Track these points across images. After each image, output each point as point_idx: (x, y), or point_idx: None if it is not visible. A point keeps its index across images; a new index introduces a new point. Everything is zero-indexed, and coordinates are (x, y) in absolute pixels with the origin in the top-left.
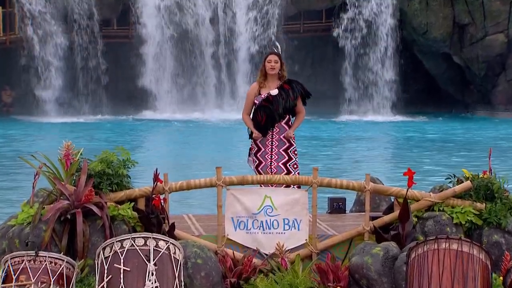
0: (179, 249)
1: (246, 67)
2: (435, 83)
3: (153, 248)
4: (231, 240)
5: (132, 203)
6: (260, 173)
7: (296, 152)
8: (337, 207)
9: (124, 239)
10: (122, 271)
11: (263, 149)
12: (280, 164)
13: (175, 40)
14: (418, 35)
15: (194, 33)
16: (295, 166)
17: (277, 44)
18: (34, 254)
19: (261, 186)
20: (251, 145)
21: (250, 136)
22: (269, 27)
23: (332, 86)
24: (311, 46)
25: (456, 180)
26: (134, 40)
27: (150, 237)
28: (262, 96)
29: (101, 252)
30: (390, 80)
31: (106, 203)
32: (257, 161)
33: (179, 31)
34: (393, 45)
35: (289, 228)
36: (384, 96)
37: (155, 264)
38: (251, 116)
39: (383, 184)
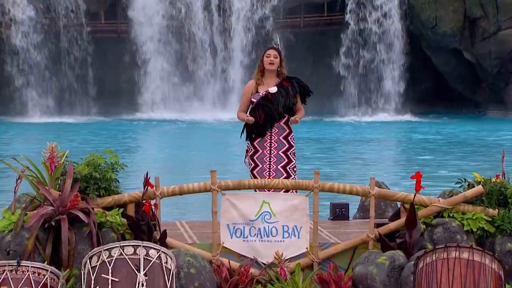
0: (171, 258)
1: (243, 64)
2: (444, 80)
3: (144, 257)
4: (226, 248)
5: (121, 209)
6: (255, 177)
7: (295, 154)
8: (339, 213)
9: (113, 248)
10: (110, 281)
11: (260, 151)
12: (279, 167)
13: (167, 35)
14: (426, 30)
15: (187, 28)
16: (294, 169)
17: (277, 41)
18: (16, 264)
19: (255, 190)
20: (247, 146)
21: (247, 137)
22: (267, 21)
23: (335, 84)
24: (312, 42)
25: (467, 184)
26: (123, 35)
27: (140, 246)
28: (260, 94)
29: (88, 261)
30: (397, 78)
31: (93, 209)
32: (253, 164)
33: (172, 25)
34: (399, 40)
35: (289, 235)
36: (390, 95)
37: (145, 274)
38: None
39: (388, 189)
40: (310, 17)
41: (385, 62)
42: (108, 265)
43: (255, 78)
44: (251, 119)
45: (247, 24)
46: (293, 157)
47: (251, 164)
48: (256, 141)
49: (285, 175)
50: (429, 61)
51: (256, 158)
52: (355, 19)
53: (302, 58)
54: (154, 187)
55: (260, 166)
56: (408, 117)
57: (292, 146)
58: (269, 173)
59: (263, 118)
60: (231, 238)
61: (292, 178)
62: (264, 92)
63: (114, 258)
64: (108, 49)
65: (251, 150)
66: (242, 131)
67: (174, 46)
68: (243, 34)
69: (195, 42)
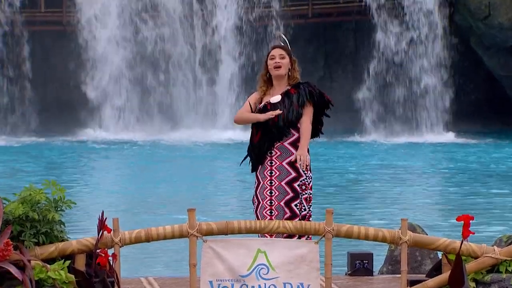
0: None
1: (232, 68)
2: (500, 89)
3: None
4: None
5: (68, 262)
6: (258, 219)
7: (306, 187)
8: (360, 266)
9: None
10: None
11: (262, 183)
12: (281, 203)
13: (130, 27)
14: (476, 21)
15: (157, 15)
16: (303, 207)
17: (283, 36)
18: None
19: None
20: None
21: (253, 168)
22: (265, 10)
23: (354, 93)
24: (323, 37)
25: None
26: (70, 28)
27: None
28: (261, 105)
29: None
30: (437, 86)
31: (29, 261)
32: (257, 202)
33: (137, 14)
34: (441, 35)
35: None
36: (429, 108)
37: None
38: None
39: (426, 234)
40: (320, 5)
41: (422, 64)
42: None
43: (260, 88)
44: (268, 116)
45: (237, 13)
46: (302, 190)
47: (255, 202)
48: (258, 170)
49: (288, 214)
50: (481, 63)
51: (258, 192)
52: (381, 7)
53: (309, 59)
54: (112, 232)
55: (261, 203)
56: (452, 137)
57: (302, 176)
58: (271, 212)
59: (259, 136)
60: None
61: (299, 219)
62: (264, 103)
63: None
64: (51, 47)
65: (255, 182)
66: (248, 156)
67: (140, 43)
68: (233, 27)
69: (169, 39)
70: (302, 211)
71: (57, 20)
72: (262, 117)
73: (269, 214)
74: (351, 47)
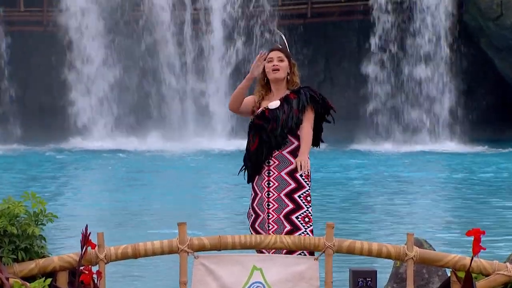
0: None
1: (224, 70)
2: None
3: None
4: None
5: (49, 279)
6: (258, 233)
7: (308, 198)
8: (363, 284)
9: None
10: None
11: (260, 194)
12: (281, 216)
13: (115, 28)
14: (487, 21)
15: (145, 18)
16: (306, 220)
17: (282, 34)
18: None
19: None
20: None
21: (249, 178)
22: (259, 9)
23: (357, 98)
24: (323, 38)
25: None
26: (52, 29)
27: None
28: (259, 111)
29: None
30: (445, 90)
31: (8, 279)
32: (254, 215)
33: (122, 14)
34: (449, 37)
35: None
36: (436, 115)
37: None
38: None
39: (433, 249)
40: (321, 4)
41: (428, 67)
42: None
43: (258, 93)
44: (257, 69)
45: (230, 13)
46: (304, 202)
47: (252, 216)
48: (255, 181)
49: (288, 227)
50: (492, 66)
51: (256, 205)
52: (386, 6)
53: (309, 61)
54: (97, 248)
55: (261, 216)
56: (461, 146)
57: (304, 187)
58: (269, 226)
59: (256, 144)
60: None
61: (302, 233)
62: (262, 109)
63: None
64: (31, 49)
65: (251, 194)
66: (242, 167)
67: (127, 46)
68: (225, 27)
69: (156, 37)
70: (308, 226)
71: (37, 19)
72: (251, 72)
73: (268, 228)
74: (354, 49)
